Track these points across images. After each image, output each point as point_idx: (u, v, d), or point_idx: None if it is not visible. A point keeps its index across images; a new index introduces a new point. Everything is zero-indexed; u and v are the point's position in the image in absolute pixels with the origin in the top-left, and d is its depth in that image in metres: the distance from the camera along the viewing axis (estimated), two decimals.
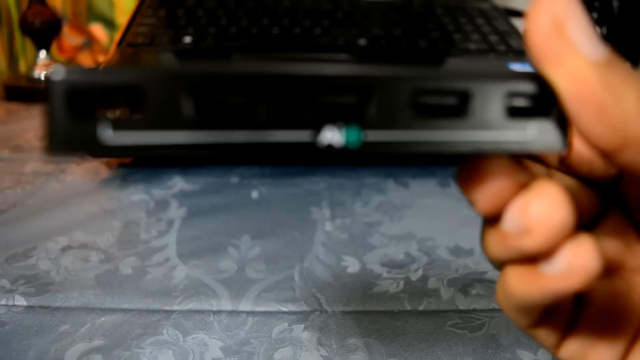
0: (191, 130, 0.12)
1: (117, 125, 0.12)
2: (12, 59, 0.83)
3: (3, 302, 0.29)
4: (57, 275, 0.31)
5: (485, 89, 0.14)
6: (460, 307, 0.29)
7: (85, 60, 0.80)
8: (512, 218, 0.14)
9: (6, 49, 0.81)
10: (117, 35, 0.56)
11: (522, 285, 0.15)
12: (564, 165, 0.19)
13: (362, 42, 0.55)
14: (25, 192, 0.42)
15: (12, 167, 0.46)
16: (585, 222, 0.20)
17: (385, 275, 0.32)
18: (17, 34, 0.81)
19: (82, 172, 0.46)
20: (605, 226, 0.19)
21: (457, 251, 0.34)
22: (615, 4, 0.58)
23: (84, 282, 0.31)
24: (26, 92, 0.67)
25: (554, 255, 0.14)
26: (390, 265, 0.33)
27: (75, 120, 0.12)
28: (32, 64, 0.69)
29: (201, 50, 0.53)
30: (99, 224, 0.37)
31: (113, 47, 0.53)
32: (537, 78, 0.14)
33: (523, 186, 0.15)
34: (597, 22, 0.59)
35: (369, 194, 0.42)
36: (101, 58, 0.78)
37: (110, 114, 0.12)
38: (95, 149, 0.12)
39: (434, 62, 0.53)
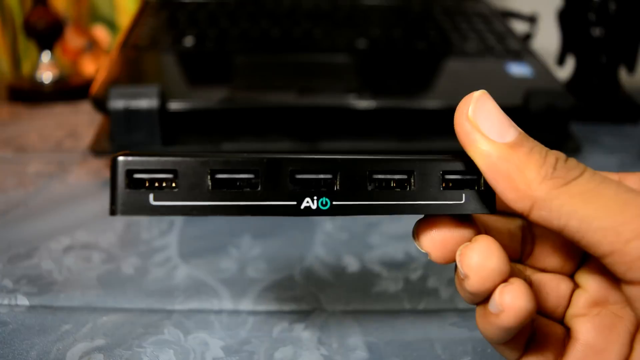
0: (210, 200, 0.17)
1: (158, 195, 0.17)
2: (16, 61, 0.83)
3: (6, 302, 0.29)
4: (60, 275, 0.32)
5: (424, 168, 0.18)
6: (460, 307, 0.29)
7: (88, 61, 0.80)
8: (457, 265, 0.18)
9: (10, 51, 0.82)
10: (120, 37, 0.56)
11: (480, 322, 0.18)
12: None
13: (362, 43, 0.55)
14: (28, 192, 0.42)
15: (15, 168, 0.47)
16: (571, 263, 0.21)
17: (385, 274, 0.32)
18: (21, 36, 0.81)
19: (84, 173, 0.46)
20: (592, 264, 0.21)
21: None
22: (612, 5, 0.58)
23: (86, 281, 0.31)
24: (29, 93, 0.67)
25: (492, 296, 0.17)
26: (390, 264, 0.33)
27: (131, 190, 0.17)
28: (36, 66, 0.69)
29: (202, 52, 0.53)
30: (101, 224, 0.38)
31: (115, 49, 0.53)
32: (466, 158, 0.18)
33: (468, 241, 0.18)
34: (594, 23, 0.59)
35: None
36: (103, 60, 0.78)
37: (155, 186, 0.17)
38: (143, 211, 0.17)
39: (430, 67, 0.53)
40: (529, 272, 0.21)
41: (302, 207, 0.18)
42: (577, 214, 0.16)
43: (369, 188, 0.18)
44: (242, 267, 0.33)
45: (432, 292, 0.30)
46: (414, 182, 0.18)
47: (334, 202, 0.18)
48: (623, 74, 0.62)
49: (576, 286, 0.21)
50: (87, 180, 0.45)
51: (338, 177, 0.18)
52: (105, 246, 0.35)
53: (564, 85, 0.53)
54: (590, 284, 0.20)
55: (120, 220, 0.38)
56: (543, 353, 0.20)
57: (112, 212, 0.17)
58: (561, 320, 0.21)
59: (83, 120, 0.59)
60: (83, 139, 0.53)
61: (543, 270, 0.21)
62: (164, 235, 0.36)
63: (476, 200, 0.19)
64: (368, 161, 0.18)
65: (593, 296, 0.20)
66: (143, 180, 0.17)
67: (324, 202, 0.18)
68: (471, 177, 0.19)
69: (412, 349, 0.26)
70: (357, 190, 0.18)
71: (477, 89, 0.18)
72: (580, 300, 0.20)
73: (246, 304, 0.29)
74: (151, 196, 0.17)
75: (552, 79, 0.51)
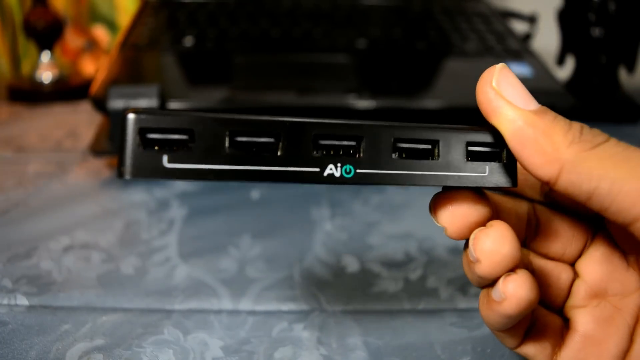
0: (228, 163, 0.16)
1: (172, 156, 0.16)
2: (16, 61, 0.83)
3: (5, 302, 0.29)
4: (59, 275, 0.32)
5: (450, 139, 0.18)
6: (459, 307, 0.29)
7: (88, 61, 0.80)
8: (469, 249, 0.18)
9: (9, 51, 0.82)
10: (120, 37, 0.56)
11: (483, 309, 0.19)
12: (548, 198, 0.21)
13: (361, 43, 0.55)
14: (27, 192, 0.42)
15: (14, 168, 0.47)
16: (573, 250, 0.21)
17: (384, 274, 0.32)
18: (21, 36, 0.81)
19: (83, 173, 0.46)
20: (592, 253, 0.21)
21: (456, 251, 0.35)
22: (612, 5, 0.58)
23: (86, 281, 0.31)
24: (29, 93, 0.67)
25: (496, 284, 0.18)
26: (390, 264, 0.33)
27: (142, 150, 0.15)
28: (35, 66, 0.69)
29: (202, 52, 0.53)
30: (101, 223, 0.38)
31: (115, 49, 0.53)
32: (491, 130, 0.18)
33: (485, 219, 0.18)
34: (594, 23, 0.59)
35: (369, 193, 0.42)
36: (103, 60, 0.78)
37: (168, 147, 0.16)
38: (156, 174, 0.15)
39: (430, 68, 0.53)
40: (531, 256, 0.21)
41: (325, 174, 0.17)
42: (608, 176, 0.16)
43: (393, 157, 0.18)
44: (242, 267, 0.33)
45: (432, 292, 0.30)
46: (438, 152, 0.18)
47: (357, 170, 0.17)
48: (623, 74, 0.62)
49: (576, 276, 0.21)
50: (87, 180, 0.45)
51: (362, 144, 0.17)
52: (104, 246, 0.35)
53: (564, 85, 0.53)
54: (590, 274, 0.20)
55: (120, 220, 0.38)
56: (541, 342, 0.20)
57: (121, 174, 0.15)
58: (560, 310, 0.21)
59: (83, 120, 0.59)
60: (83, 139, 0.53)
61: (545, 256, 0.21)
62: (164, 235, 0.36)
63: (499, 173, 0.18)
64: (394, 128, 0.18)
65: (592, 287, 0.20)
66: (156, 140, 0.16)
67: (347, 170, 0.17)
68: (493, 149, 0.18)
69: (411, 349, 0.26)
70: (382, 159, 0.17)
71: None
72: (580, 291, 0.20)
73: (245, 304, 0.29)
74: (165, 157, 0.15)
75: (552, 79, 0.51)
